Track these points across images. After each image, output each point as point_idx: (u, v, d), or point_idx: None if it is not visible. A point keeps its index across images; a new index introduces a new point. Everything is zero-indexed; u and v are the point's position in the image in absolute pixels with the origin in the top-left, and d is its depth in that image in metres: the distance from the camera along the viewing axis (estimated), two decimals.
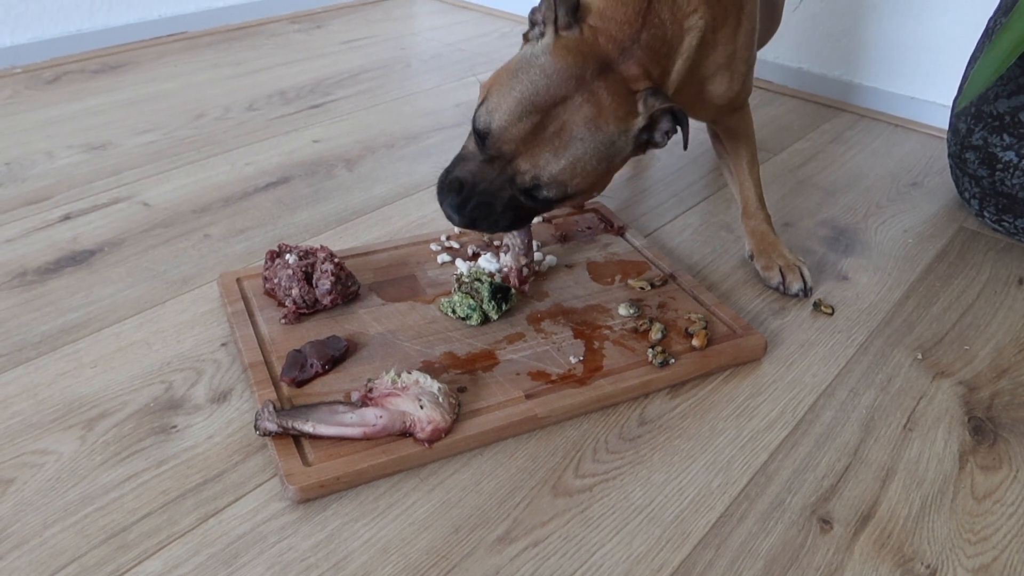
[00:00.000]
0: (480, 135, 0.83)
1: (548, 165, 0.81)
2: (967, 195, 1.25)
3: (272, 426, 0.74)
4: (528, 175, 0.82)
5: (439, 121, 1.52)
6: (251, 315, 0.92)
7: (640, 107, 0.82)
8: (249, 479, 0.73)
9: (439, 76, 1.74)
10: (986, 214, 1.22)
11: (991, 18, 1.18)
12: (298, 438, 0.75)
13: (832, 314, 1.02)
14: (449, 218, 0.86)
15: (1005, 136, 1.13)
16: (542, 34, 0.84)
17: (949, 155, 1.28)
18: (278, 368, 0.84)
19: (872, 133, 1.56)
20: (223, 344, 0.91)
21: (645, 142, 0.85)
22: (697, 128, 1.54)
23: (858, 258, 1.14)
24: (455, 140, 1.44)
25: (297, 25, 2.04)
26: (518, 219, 0.87)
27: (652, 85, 0.83)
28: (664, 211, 1.24)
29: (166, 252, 1.07)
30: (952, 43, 1.52)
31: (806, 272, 1.05)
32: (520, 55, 0.84)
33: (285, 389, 0.81)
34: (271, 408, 0.75)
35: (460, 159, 0.86)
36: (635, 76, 0.83)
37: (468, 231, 1.10)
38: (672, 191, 1.30)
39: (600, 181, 0.86)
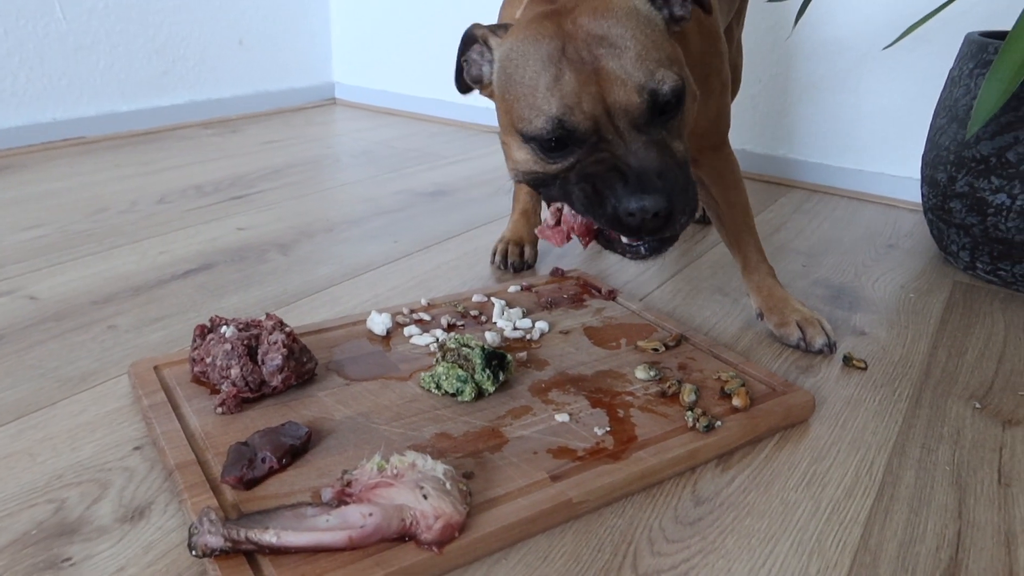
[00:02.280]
0: (556, 132, 0.67)
1: (628, 67, 0.65)
2: (955, 247, 1.18)
3: (216, 540, 0.52)
4: (634, 93, 0.65)
5: (380, 206, 1.37)
6: (175, 407, 0.70)
7: None
8: None
9: (374, 168, 1.61)
10: (979, 265, 1.15)
11: (952, 68, 1.16)
12: (254, 555, 0.53)
13: (866, 368, 0.89)
14: (642, 216, 0.65)
15: (993, 179, 1.07)
16: (491, 50, 0.74)
17: (927, 210, 1.23)
18: (216, 469, 0.62)
19: (829, 205, 1.52)
20: (137, 447, 0.68)
21: (670, 18, 0.72)
22: None
23: (867, 314, 1.04)
24: (402, 224, 1.29)
25: (211, 130, 1.89)
26: (689, 178, 0.69)
27: None
28: (648, 279, 1.11)
29: (58, 347, 0.85)
30: (894, 114, 1.52)
31: (827, 325, 0.92)
32: (499, 70, 0.72)
33: (229, 494, 0.60)
34: (213, 517, 0.53)
35: (572, 183, 0.69)
36: None
37: (436, 303, 0.93)
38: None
39: (678, 54, 0.71)
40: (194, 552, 0.53)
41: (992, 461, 0.73)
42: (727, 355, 0.84)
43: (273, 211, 1.32)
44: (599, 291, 0.99)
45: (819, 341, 0.91)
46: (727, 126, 0.95)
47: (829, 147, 1.62)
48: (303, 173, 1.55)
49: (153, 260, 1.09)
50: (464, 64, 0.77)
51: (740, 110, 1.68)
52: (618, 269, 1.15)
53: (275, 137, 1.85)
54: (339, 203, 1.38)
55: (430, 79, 2.14)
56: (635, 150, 0.66)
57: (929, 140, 1.20)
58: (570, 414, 0.72)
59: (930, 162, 1.19)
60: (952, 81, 1.15)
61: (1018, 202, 1.05)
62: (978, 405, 0.83)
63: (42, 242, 1.14)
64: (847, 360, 0.90)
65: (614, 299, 0.97)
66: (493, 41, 0.74)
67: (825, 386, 0.85)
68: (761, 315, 0.96)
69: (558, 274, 1.04)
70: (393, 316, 0.88)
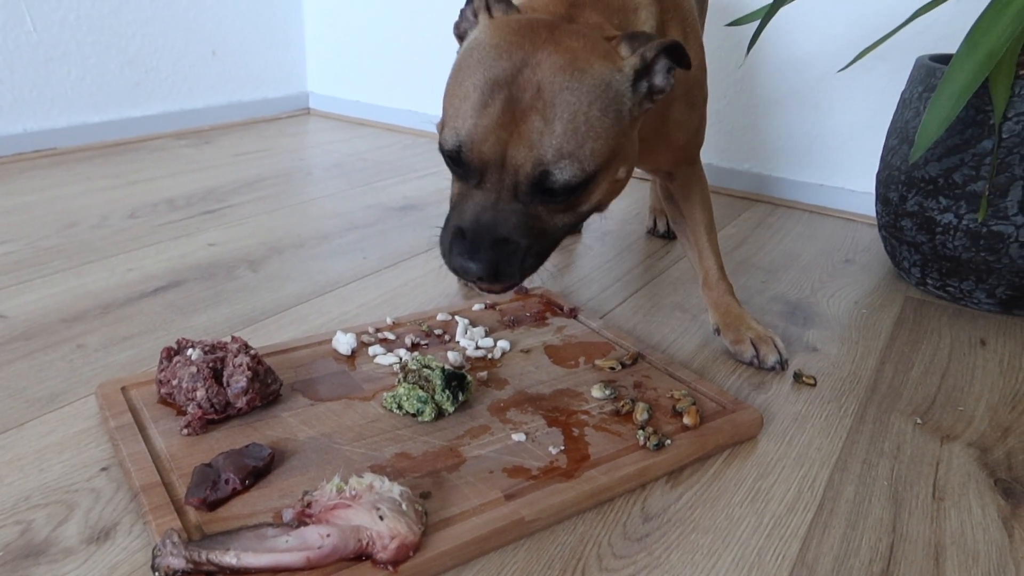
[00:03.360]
0: (454, 156, 0.68)
1: (544, 136, 0.65)
2: (906, 264, 1.23)
3: (178, 562, 0.54)
4: (528, 163, 0.65)
5: (351, 221, 1.39)
6: (142, 428, 0.72)
7: (623, 51, 0.69)
8: None
9: (344, 182, 1.63)
10: (929, 281, 1.20)
11: (904, 90, 1.21)
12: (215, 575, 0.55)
13: (815, 385, 0.92)
14: (466, 276, 0.68)
15: (941, 199, 1.12)
16: (476, 22, 0.74)
17: (880, 227, 1.27)
18: (181, 490, 0.64)
19: (792, 219, 1.56)
20: (103, 468, 0.70)
21: (648, 91, 0.71)
22: (623, 220, 1.49)
23: (820, 330, 1.07)
24: (371, 239, 1.31)
25: (184, 141, 1.90)
26: (544, 245, 0.71)
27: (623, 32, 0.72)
28: (610, 295, 1.15)
29: (26, 367, 0.86)
30: (853, 130, 1.57)
31: (780, 343, 0.96)
32: (458, 55, 0.73)
33: (193, 515, 0.62)
34: (175, 539, 0.55)
35: (453, 208, 0.71)
36: (598, 23, 0.73)
37: (401, 322, 0.95)
38: (614, 275, 1.21)
39: (619, 144, 0.69)
40: (157, 573, 0.55)
41: (928, 476, 0.77)
42: (681, 373, 0.87)
43: (244, 226, 1.34)
44: (561, 309, 1.02)
45: (771, 359, 0.94)
46: (702, 141, 0.98)
47: (792, 162, 1.66)
48: (275, 186, 1.57)
49: (123, 277, 1.11)
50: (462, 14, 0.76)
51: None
52: (582, 285, 1.18)
53: (248, 149, 1.86)
54: (310, 218, 1.40)
55: (404, 90, 2.16)
56: (499, 209, 0.68)
57: (882, 160, 1.24)
58: (526, 433, 0.75)
59: (883, 181, 1.23)
60: (904, 103, 1.20)
61: (964, 222, 1.10)
62: (919, 421, 0.86)
63: (12, 258, 1.15)
64: (797, 376, 0.93)
65: (575, 317, 1.00)
66: (482, 17, 0.73)
67: (775, 402, 0.88)
68: (718, 330, 0.99)
69: (522, 292, 1.06)
70: (358, 336, 0.90)
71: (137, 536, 0.62)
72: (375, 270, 1.19)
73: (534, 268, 0.71)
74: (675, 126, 0.88)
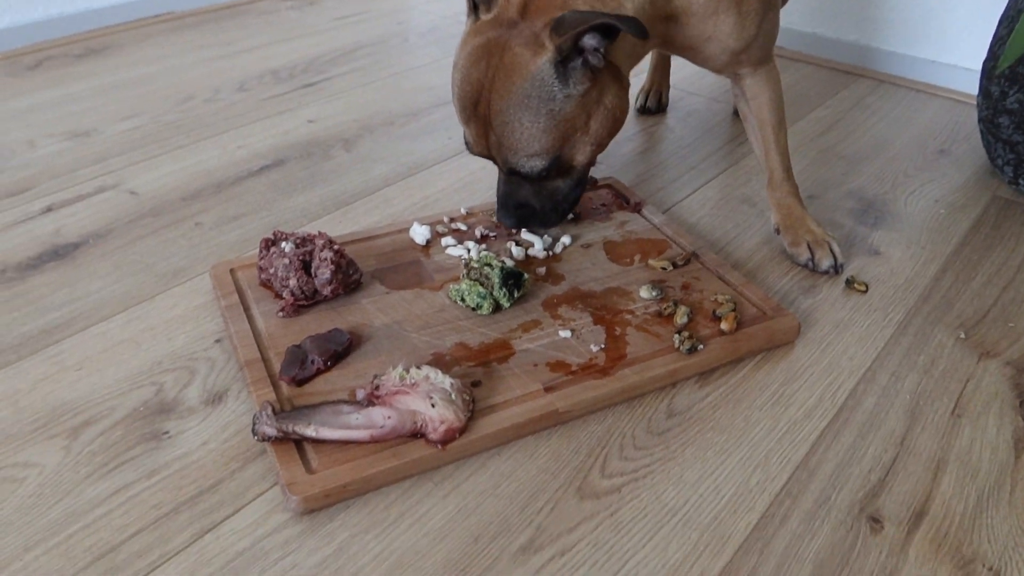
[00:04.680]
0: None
1: (503, 146, 0.84)
2: (1000, 162, 1.18)
3: (271, 431, 0.68)
4: (504, 162, 0.86)
5: (440, 96, 1.44)
6: (246, 308, 0.85)
7: (547, 43, 0.80)
8: (248, 489, 0.67)
9: (438, 50, 1.67)
10: (1021, 181, 1.15)
11: None
12: (300, 443, 0.69)
13: (866, 291, 0.95)
14: (507, 226, 0.94)
15: None
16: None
17: (980, 120, 1.21)
18: (276, 365, 0.78)
19: (893, 99, 1.49)
20: (217, 340, 0.84)
21: (584, 67, 0.82)
22: (712, 97, 1.47)
23: (889, 231, 1.08)
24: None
25: (289, 2, 1.96)
26: (555, 203, 0.92)
27: (560, 14, 0.79)
28: (681, 185, 1.18)
29: (155, 243, 1.01)
30: (975, 3, 1.44)
31: (836, 248, 0.98)
32: (457, 48, 0.87)
33: (285, 389, 0.75)
34: (270, 411, 0.69)
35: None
36: (544, 7, 0.81)
37: (474, 211, 1.03)
38: (689, 164, 1.23)
39: (568, 127, 0.84)
40: (255, 437, 0.69)
41: (954, 392, 0.81)
42: (730, 276, 0.92)
43: (340, 101, 1.42)
44: (627, 202, 1.07)
45: (825, 263, 0.97)
46: (770, 42, 0.97)
47: (903, 34, 1.55)
48: (371, 56, 1.63)
49: (232, 155, 1.23)
50: None
51: None
52: (654, 173, 1.21)
53: (349, 11, 1.90)
54: (402, 91, 1.46)
55: None
56: (512, 182, 0.90)
57: (990, 49, 1.17)
58: (572, 330, 0.83)
59: (987, 72, 1.16)
60: None
61: None
62: (963, 335, 0.89)
63: (139, 133, 1.29)
64: (849, 283, 0.96)
65: (639, 212, 1.05)
66: (469, 20, 0.86)
67: (821, 308, 0.93)
68: (778, 230, 1.02)
69: (591, 182, 1.11)
70: (433, 227, 0.99)
71: (243, 402, 0.77)
72: (457, 152, 1.25)
73: (557, 219, 0.93)
74: (727, 37, 0.90)
